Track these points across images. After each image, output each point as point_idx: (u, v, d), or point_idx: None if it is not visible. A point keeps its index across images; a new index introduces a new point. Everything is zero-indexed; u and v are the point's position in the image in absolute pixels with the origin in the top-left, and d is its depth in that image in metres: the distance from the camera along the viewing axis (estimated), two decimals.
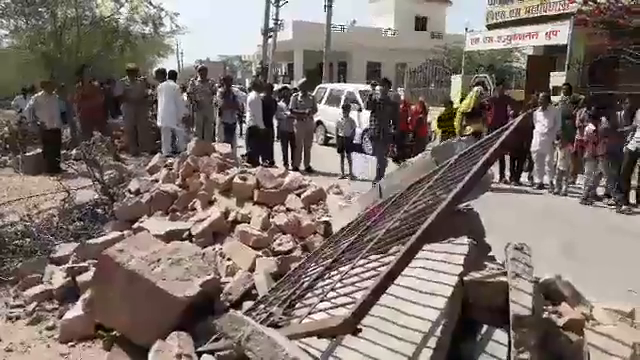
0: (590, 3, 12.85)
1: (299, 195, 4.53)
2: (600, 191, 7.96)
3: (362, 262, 2.15)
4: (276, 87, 13.64)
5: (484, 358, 1.85)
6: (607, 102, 9.16)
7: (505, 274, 2.09)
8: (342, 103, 13.44)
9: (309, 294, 2.41)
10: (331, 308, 2.02)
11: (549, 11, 14.86)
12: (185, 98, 10.08)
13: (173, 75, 10.10)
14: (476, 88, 9.75)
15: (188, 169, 5.19)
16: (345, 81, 26.00)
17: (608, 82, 11.93)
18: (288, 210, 4.33)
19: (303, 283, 2.55)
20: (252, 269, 3.45)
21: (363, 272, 2.04)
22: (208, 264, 3.21)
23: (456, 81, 16.66)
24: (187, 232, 4.12)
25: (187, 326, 2.72)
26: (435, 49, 24.13)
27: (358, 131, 12.76)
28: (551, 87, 12.48)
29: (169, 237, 3.79)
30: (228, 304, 2.99)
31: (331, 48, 23.14)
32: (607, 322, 2.14)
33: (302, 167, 9.68)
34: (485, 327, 1.98)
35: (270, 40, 26.19)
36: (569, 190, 8.35)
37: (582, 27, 13.02)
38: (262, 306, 2.74)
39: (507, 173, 9.30)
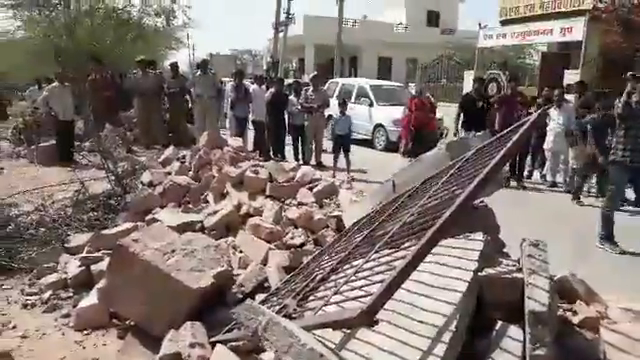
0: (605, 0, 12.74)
1: (311, 189, 4.54)
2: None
3: (376, 256, 2.15)
4: (288, 81, 13.64)
5: (499, 354, 1.84)
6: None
7: (520, 270, 2.08)
8: (353, 98, 13.45)
9: (322, 287, 2.42)
10: (344, 301, 2.03)
11: (564, 7, 14.72)
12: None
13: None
14: None
15: (201, 162, 5.22)
16: (356, 76, 25.94)
17: (622, 80, 11.78)
18: (300, 204, 4.34)
19: (316, 276, 2.56)
20: (264, 262, 3.47)
21: (377, 266, 2.04)
22: (221, 256, 3.23)
23: (469, 77, 16.55)
24: (200, 224, 4.15)
25: (200, 316, 2.74)
26: (446, 44, 23.99)
27: (368, 126, 12.79)
28: (565, 84, 12.36)
29: (182, 229, 3.81)
30: (241, 295, 3.01)
31: (342, 43, 23.06)
32: (622, 320, 2.13)
33: (313, 162, 9.68)
34: (500, 323, 1.97)
35: (281, 34, 26.16)
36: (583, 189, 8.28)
37: (597, 24, 12.88)
38: (275, 298, 2.75)
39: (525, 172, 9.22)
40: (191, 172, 5.30)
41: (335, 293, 2.11)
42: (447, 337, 1.84)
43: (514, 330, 1.90)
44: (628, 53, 12.18)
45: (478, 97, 8.96)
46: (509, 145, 2.15)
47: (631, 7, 12.47)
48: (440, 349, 1.81)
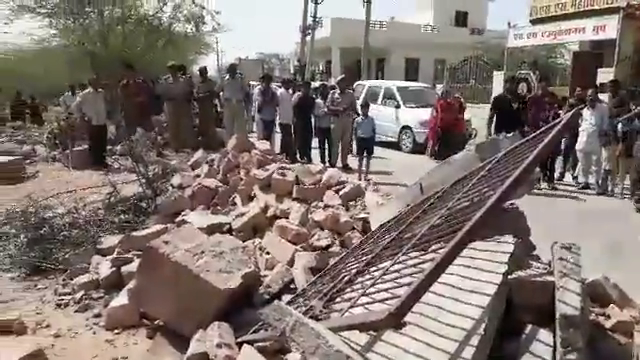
0: None
1: (337, 192, 4.54)
2: None
3: (403, 258, 2.14)
4: (314, 84, 13.69)
5: (528, 358, 1.81)
6: None
7: (551, 273, 2.04)
8: (380, 100, 13.40)
9: (348, 289, 2.42)
10: (371, 303, 2.02)
11: (596, 5, 14.33)
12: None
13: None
14: None
15: (229, 165, 5.29)
16: (383, 78, 25.84)
17: None
18: (326, 206, 4.34)
19: (343, 278, 2.56)
20: (291, 263, 3.48)
21: (404, 268, 2.03)
22: (248, 257, 3.26)
23: (498, 78, 16.30)
24: (228, 226, 4.19)
25: (228, 317, 2.77)
26: (475, 45, 23.67)
27: (395, 128, 12.73)
28: (598, 84, 12.04)
29: (211, 230, 3.86)
30: (267, 296, 3.03)
31: (369, 45, 22.98)
32: None
33: (339, 164, 9.67)
34: (529, 327, 1.94)
35: (308, 37, 26.25)
36: (616, 191, 8.07)
37: (631, 21, 12.53)
38: (301, 299, 2.77)
39: (556, 174, 9.01)
40: (219, 175, 5.36)
41: (362, 295, 2.11)
42: (475, 340, 1.82)
43: (544, 334, 1.86)
44: None
45: (512, 97, 8.74)
46: (542, 146, 2.11)
47: None
48: (468, 352, 1.79)
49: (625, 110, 8.03)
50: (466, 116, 11.83)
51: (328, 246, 3.72)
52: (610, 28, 12.97)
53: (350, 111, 9.71)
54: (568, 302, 1.78)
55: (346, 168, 9.46)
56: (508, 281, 2.04)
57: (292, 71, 29.80)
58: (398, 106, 12.98)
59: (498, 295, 1.98)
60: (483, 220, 1.81)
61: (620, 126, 7.73)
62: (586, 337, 1.75)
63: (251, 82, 13.91)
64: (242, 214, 4.28)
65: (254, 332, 2.57)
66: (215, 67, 35.10)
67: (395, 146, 12.61)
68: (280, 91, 10.45)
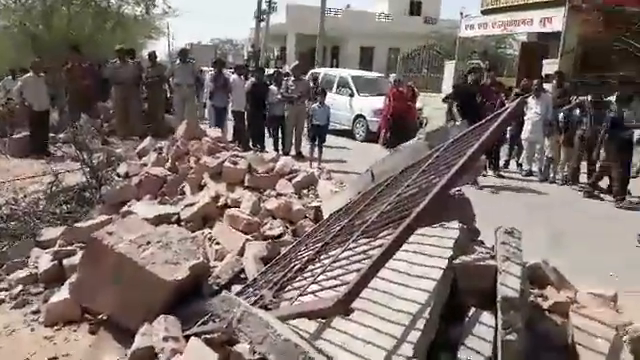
0: None
1: (290, 180, 4.50)
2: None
3: (353, 245, 2.14)
4: (268, 71, 13.53)
5: (471, 340, 1.85)
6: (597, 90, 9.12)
7: (494, 258, 2.09)
8: (334, 88, 13.40)
9: (299, 277, 2.40)
10: (320, 290, 2.01)
11: None
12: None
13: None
14: None
15: (178, 152, 5.14)
16: (338, 66, 25.84)
17: (601, 69, 11.96)
18: (279, 195, 4.30)
19: (293, 266, 2.54)
20: (241, 253, 3.43)
21: (354, 255, 2.03)
22: (197, 248, 3.18)
23: (449, 67, 16.61)
24: (176, 216, 4.08)
25: (174, 309, 2.70)
26: (428, 34, 24.02)
27: (349, 116, 12.77)
28: (543, 74, 12.47)
29: (158, 221, 3.74)
30: (216, 288, 2.97)
31: (325, 32, 22.89)
32: (591, 306, 2.16)
33: (292, 152, 9.62)
34: (473, 310, 1.98)
35: (263, 23, 25.91)
36: (557, 178, 8.43)
37: (577, 14, 13.00)
38: (251, 289, 2.73)
39: (502, 161, 9.27)
40: (168, 163, 5.21)
41: (312, 283, 2.10)
42: (421, 324, 1.85)
43: (487, 316, 1.90)
44: (606, 43, 12.30)
45: (476, 88, 8.52)
46: (487, 134, 2.14)
47: None
48: (414, 336, 1.81)
49: (567, 101, 8.38)
50: (418, 105, 12.00)
51: (280, 235, 3.69)
52: (556, 21, 13.44)
53: (305, 98, 9.66)
54: (509, 285, 1.83)
55: (300, 156, 9.43)
56: (453, 266, 2.08)
57: (246, 57, 29.37)
58: (352, 95, 13.03)
59: (443, 280, 2.01)
60: (429, 207, 1.82)
61: (561, 116, 8.07)
62: (525, 318, 1.81)
63: (203, 68, 13.60)
64: (192, 204, 4.17)
65: (202, 324, 2.51)
66: (166, 52, 34.10)
67: (349, 134, 12.68)
68: (233, 77, 10.26)
